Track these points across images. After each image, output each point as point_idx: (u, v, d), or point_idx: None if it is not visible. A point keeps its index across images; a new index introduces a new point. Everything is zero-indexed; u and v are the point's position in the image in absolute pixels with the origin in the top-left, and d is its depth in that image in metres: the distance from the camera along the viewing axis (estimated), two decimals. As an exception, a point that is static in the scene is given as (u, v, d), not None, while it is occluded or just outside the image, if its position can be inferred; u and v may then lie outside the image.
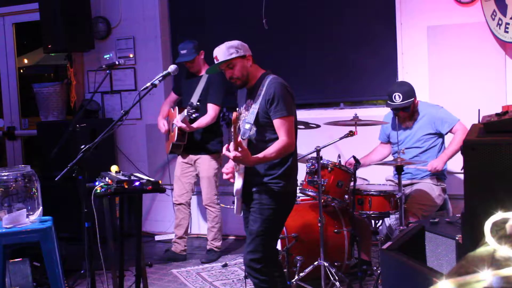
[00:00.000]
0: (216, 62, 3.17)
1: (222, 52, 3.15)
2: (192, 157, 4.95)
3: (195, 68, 4.85)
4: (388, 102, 4.26)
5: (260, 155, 3.06)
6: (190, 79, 4.93)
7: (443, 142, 4.33)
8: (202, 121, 4.74)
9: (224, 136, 5.07)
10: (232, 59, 3.14)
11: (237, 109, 3.34)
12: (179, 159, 5.03)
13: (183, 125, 4.60)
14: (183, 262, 4.98)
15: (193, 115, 4.46)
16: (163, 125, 5.00)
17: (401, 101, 4.17)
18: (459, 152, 2.66)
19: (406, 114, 4.27)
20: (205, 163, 4.91)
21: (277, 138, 3.11)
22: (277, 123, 3.10)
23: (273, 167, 3.15)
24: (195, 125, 4.70)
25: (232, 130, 2.95)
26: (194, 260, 5.02)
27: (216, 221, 4.99)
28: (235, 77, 3.18)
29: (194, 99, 4.73)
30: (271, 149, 3.07)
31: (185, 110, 4.48)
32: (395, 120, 4.27)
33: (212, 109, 4.77)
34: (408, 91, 4.21)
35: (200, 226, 5.83)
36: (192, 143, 4.84)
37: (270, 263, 3.19)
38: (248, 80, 3.21)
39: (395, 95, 4.18)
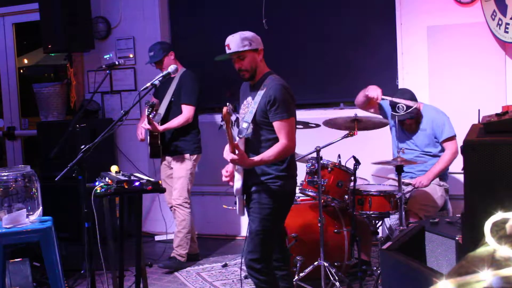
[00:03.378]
0: (227, 50, 3.14)
1: (236, 42, 3.10)
2: (169, 158, 4.87)
3: (164, 69, 4.64)
4: (392, 113, 4.19)
5: (258, 157, 3.04)
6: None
7: (441, 151, 4.28)
8: (173, 122, 4.66)
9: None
10: (244, 51, 3.11)
11: (227, 104, 3.30)
12: (162, 162, 4.95)
13: (149, 127, 4.48)
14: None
15: (151, 114, 4.37)
16: (140, 133, 4.89)
17: (405, 111, 4.11)
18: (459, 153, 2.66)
19: (412, 121, 4.24)
20: (177, 164, 4.79)
21: (273, 138, 3.10)
22: (277, 125, 3.08)
23: (271, 167, 3.13)
24: (164, 126, 4.62)
25: (225, 129, 2.87)
26: (192, 261, 5.02)
27: (183, 225, 4.74)
28: (243, 69, 3.15)
29: (166, 101, 4.67)
30: (270, 151, 3.05)
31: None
32: (398, 127, 4.24)
33: (186, 110, 4.67)
34: (410, 98, 4.16)
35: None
36: (166, 144, 4.76)
37: (270, 262, 3.19)
38: (255, 73, 3.18)
39: (398, 106, 4.12)
